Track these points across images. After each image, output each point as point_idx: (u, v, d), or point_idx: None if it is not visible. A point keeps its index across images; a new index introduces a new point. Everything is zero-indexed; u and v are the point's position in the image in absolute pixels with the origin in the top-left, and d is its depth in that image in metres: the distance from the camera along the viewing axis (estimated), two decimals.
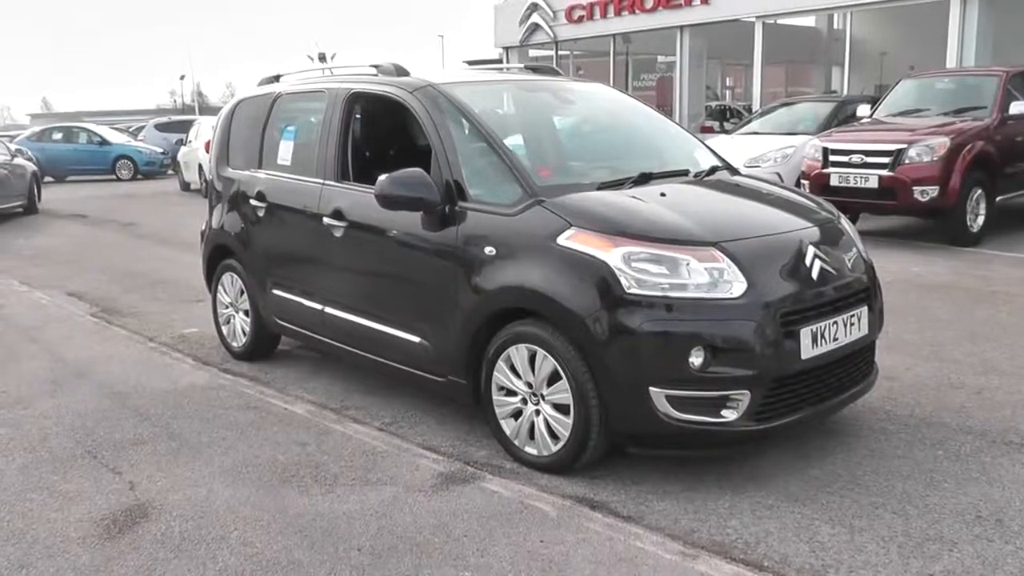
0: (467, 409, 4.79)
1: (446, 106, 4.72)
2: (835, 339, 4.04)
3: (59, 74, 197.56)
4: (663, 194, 4.34)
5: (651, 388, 3.78)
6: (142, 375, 5.90)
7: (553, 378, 4.04)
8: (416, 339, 4.65)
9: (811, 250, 4.10)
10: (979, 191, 10.13)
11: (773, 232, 4.18)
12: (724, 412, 3.81)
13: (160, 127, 30.23)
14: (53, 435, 4.82)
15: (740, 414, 3.80)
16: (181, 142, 23.22)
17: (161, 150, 26.78)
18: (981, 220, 10.18)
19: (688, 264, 3.80)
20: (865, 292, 4.34)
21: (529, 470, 4.20)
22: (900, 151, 9.95)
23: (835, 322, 4.05)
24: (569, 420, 4.00)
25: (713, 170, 5.04)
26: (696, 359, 3.73)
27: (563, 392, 4.00)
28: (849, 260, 4.35)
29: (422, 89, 4.84)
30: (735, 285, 3.81)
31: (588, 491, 3.99)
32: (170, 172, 25.42)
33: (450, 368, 4.51)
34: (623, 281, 3.79)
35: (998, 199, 10.45)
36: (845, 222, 4.63)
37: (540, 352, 4.05)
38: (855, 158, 10.27)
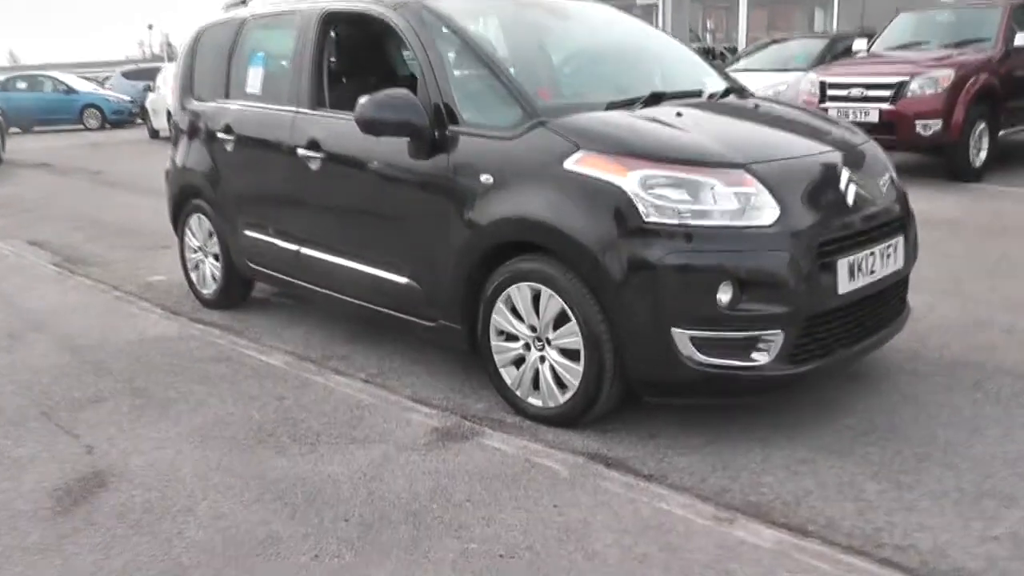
0: (461, 358, 4.37)
1: (433, 22, 4.22)
2: (872, 272, 3.63)
3: (26, 25, 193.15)
4: (679, 114, 3.88)
5: (673, 329, 3.36)
6: (106, 327, 5.42)
7: (560, 320, 3.61)
8: (403, 280, 4.20)
9: (845, 174, 3.67)
10: (982, 125, 9.73)
11: (804, 155, 3.74)
12: (755, 355, 3.39)
13: (128, 75, 29.27)
14: (6, 394, 4.35)
15: (772, 356, 3.39)
16: (148, 88, 22.42)
17: (129, 98, 25.90)
18: (984, 155, 9.79)
19: (714, 188, 3.36)
20: (900, 221, 3.92)
21: (533, 424, 3.79)
22: (902, 84, 9.52)
23: (872, 253, 3.63)
24: (579, 367, 3.59)
25: (727, 92, 4.58)
26: (724, 296, 3.31)
27: (572, 336, 3.58)
28: (883, 186, 3.93)
29: (406, 5, 4.33)
30: (766, 212, 3.37)
31: (601, 446, 3.58)
32: (139, 121, 24.59)
33: (442, 312, 4.07)
34: (640, 209, 3.35)
35: (1000, 133, 10.08)
36: (876, 146, 4.20)
37: (545, 291, 3.62)
38: (854, 92, 9.83)
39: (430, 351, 4.64)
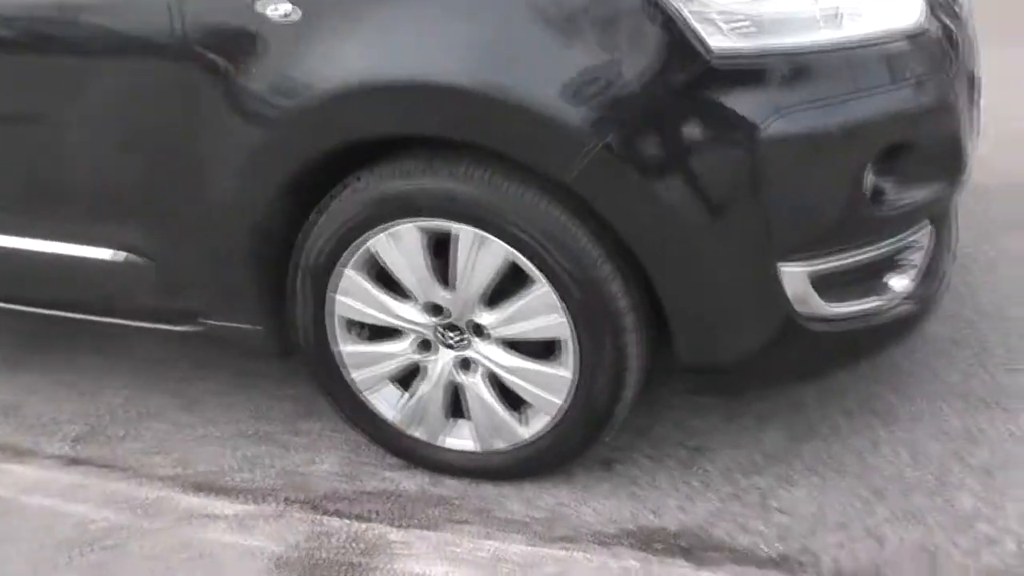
0: (258, 377, 2.34)
1: None
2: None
3: None
4: None
5: (782, 267, 1.63)
6: None
7: (503, 289, 1.74)
8: (114, 255, 1.99)
9: None
10: None
11: None
12: (892, 280, 1.77)
13: None
14: None
15: (916, 276, 1.80)
16: None
17: None
18: None
19: None
20: None
21: (455, 488, 1.93)
22: None
23: None
24: (562, 370, 1.76)
25: None
26: (869, 182, 1.63)
27: (539, 314, 1.72)
28: None
29: None
30: (905, 5, 1.69)
31: (630, 514, 1.83)
32: None
33: (210, 301, 1.98)
34: (699, 31, 1.51)
35: None
36: None
37: (467, 235, 1.70)
38: None
39: (155, 383, 2.50)
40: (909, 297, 1.79)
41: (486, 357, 1.82)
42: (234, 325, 1.99)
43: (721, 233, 1.61)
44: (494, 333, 1.79)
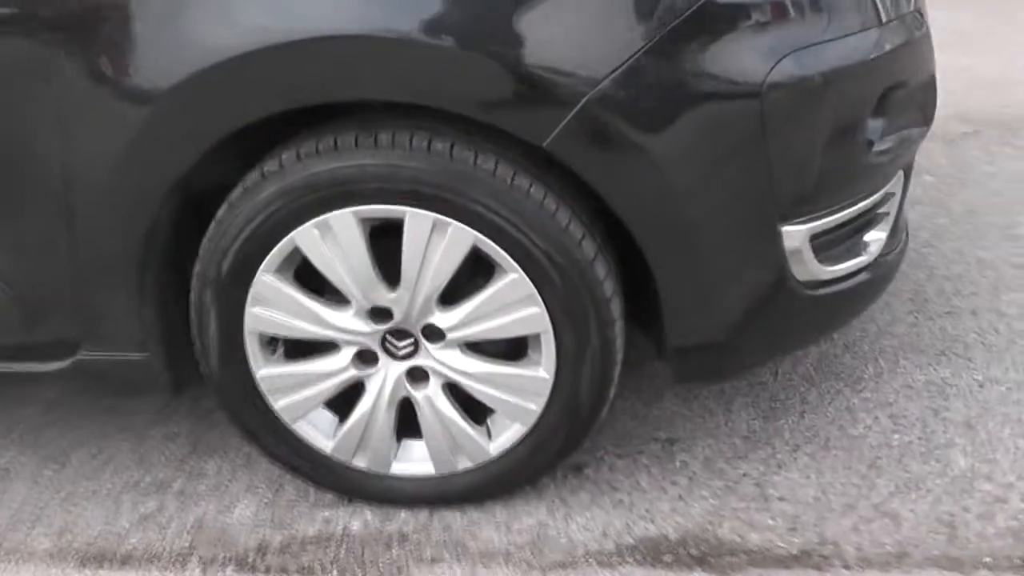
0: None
1: None
2: None
3: None
4: None
5: (784, 228, 1.45)
6: None
7: (459, 286, 1.47)
8: None
9: None
10: None
11: None
12: (869, 235, 1.63)
13: None
14: None
15: (888, 229, 1.67)
16: None
17: None
18: None
19: None
20: None
21: (415, 522, 1.64)
22: None
23: None
24: (538, 370, 1.50)
25: None
26: (868, 128, 1.47)
27: (509, 310, 1.46)
28: None
29: None
30: None
31: (624, 525, 1.61)
32: None
33: (87, 329, 1.58)
34: None
35: None
36: None
37: (419, 220, 1.40)
38: None
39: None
40: (885, 252, 1.67)
41: (444, 364, 1.53)
42: (114, 356, 1.60)
43: (722, 193, 1.40)
44: (453, 336, 1.51)
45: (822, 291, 1.55)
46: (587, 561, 1.54)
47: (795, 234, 1.46)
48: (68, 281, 1.52)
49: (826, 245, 1.53)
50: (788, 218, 1.45)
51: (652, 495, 1.67)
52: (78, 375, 1.63)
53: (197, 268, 1.51)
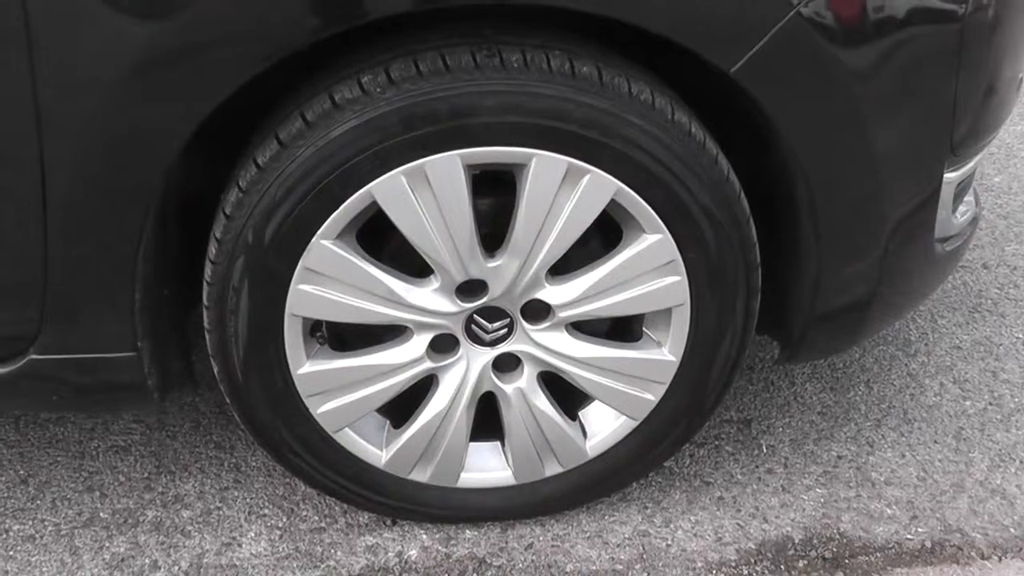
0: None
1: None
2: None
3: None
4: None
5: (947, 174, 1.24)
6: None
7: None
8: None
9: None
10: None
11: None
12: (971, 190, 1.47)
13: None
14: None
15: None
16: None
17: None
18: None
19: None
20: None
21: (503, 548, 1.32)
22: None
23: None
24: (662, 355, 1.22)
25: None
26: None
27: (645, 277, 1.16)
28: None
29: None
30: None
31: (736, 527, 1.36)
32: None
33: (42, 319, 1.13)
34: None
35: None
36: None
37: (548, 165, 1.08)
38: None
39: None
40: (976, 202, 1.51)
41: (546, 349, 1.22)
42: (86, 356, 1.17)
43: (905, 130, 1.17)
44: (564, 314, 1.19)
45: (947, 247, 1.37)
46: (712, 574, 1.29)
47: (950, 181, 1.26)
48: (17, 256, 1.07)
49: (958, 195, 1.34)
50: (952, 163, 1.24)
51: (752, 488, 1.44)
52: (24, 380, 1.18)
53: (218, 235, 1.11)
